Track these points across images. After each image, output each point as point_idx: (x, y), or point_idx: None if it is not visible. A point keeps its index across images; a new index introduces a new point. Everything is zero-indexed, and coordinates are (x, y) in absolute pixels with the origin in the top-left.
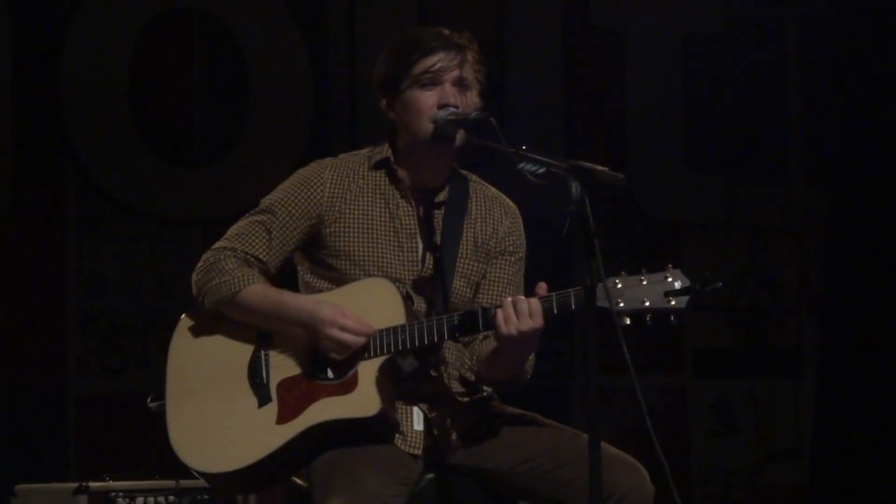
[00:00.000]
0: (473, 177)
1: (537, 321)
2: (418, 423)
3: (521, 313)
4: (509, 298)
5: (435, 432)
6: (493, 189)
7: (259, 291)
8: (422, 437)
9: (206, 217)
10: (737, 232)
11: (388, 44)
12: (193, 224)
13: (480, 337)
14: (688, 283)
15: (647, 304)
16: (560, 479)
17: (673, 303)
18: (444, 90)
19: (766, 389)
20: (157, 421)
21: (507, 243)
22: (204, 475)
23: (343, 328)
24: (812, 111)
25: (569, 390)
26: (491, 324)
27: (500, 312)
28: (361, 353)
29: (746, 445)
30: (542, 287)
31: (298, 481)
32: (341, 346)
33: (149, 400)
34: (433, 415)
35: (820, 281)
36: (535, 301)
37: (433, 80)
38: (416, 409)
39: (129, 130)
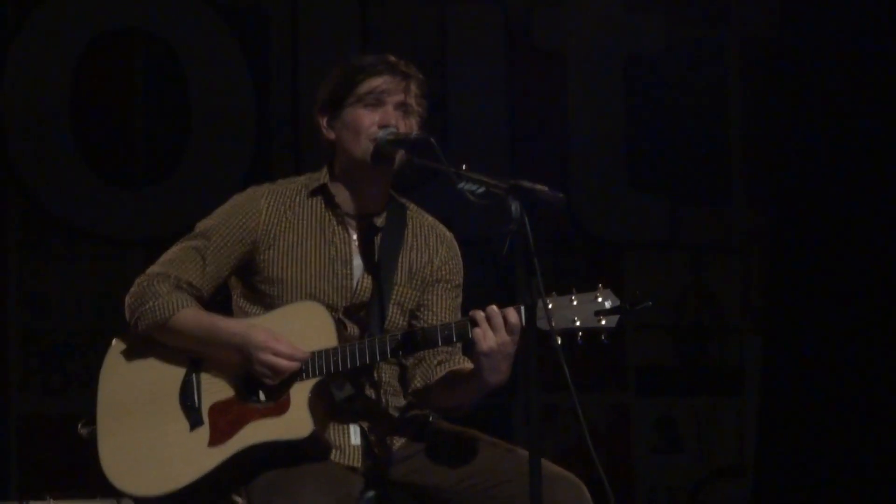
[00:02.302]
0: (411, 205)
1: (502, 334)
2: (355, 439)
3: (497, 327)
4: (481, 312)
5: (374, 448)
6: (431, 218)
7: (192, 315)
8: (360, 452)
9: (148, 237)
10: (679, 251)
11: (334, 66)
12: (135, 244)
13: (435, 362)
14: (618, 303)
15: (578, 323)
16: (501, 496)
17: (603, 322)
18: (386, 111)
19: (709, 407)
20: (89, 446)
21: (443, 272)
22: (137, 499)
23: (276, 353)
24: (753, 131)
25: (511, 408)
26: (423, 344)
27: (475, 330)
28: (294, 375)
29: (690, 462)
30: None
31: (238, 500)
32: (274, 371)
33: (79, 426)
34: (371, 431)
35: (762, 299)
36: (511, 311)
37: (377, 101)
38: (352, 426)
39: (70, 150)
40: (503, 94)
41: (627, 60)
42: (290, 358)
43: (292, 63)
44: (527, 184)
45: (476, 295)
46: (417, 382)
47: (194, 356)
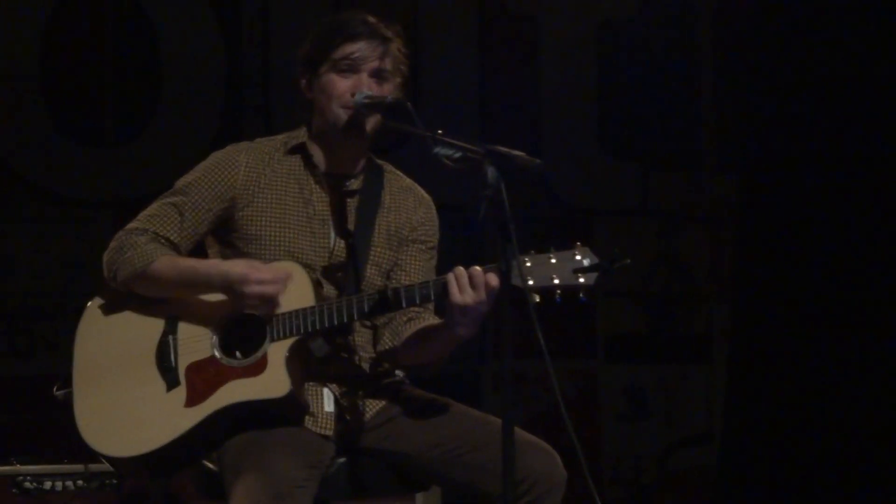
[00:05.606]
0: (389, 167)
1: (480, 293)
2: (329, 405)
3: (478, 285)
4: (462, 268)
5: (346, 415)
6: (408, 180)
7: (170, 262)
8: (332, 419)
9: (117, 199)
10: (649, 218)
11: (318, 24)
12: (104, 206)
13: (404, 319)
14: (596, 261)
15: (557, 280)
16: (472, 463)
17: (582, 280)
18: (360, 79)
19: (677, 375)
20: (64, 409)
21: (419, 233)
22: (112, 460)
23: (261, 282)
24: (724, 98)
25: (480, 376)
26: (401, 302)
27: (452, 281)
28: (271, 334)
29: (657, 430)
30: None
31: (209, 465)
32: (265, 299)
33: (55, 388)
34: (344, 396)
35: (730, 267)
36: (493, 275)
37: (351, 68)
38: (326, 390)
39: (40, 111)
40: (475, 59)
41: (600, 25)
42: (275, 282)
43: (263, 22)
44: (503, 149)
45: (448, 260)
46: (386, 341)
47: (173, 313)
